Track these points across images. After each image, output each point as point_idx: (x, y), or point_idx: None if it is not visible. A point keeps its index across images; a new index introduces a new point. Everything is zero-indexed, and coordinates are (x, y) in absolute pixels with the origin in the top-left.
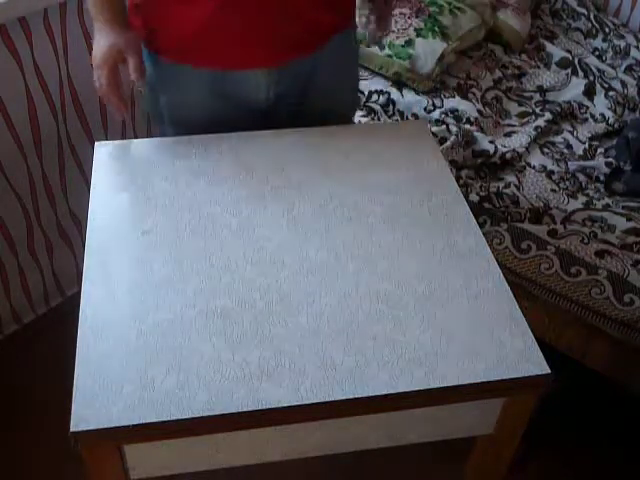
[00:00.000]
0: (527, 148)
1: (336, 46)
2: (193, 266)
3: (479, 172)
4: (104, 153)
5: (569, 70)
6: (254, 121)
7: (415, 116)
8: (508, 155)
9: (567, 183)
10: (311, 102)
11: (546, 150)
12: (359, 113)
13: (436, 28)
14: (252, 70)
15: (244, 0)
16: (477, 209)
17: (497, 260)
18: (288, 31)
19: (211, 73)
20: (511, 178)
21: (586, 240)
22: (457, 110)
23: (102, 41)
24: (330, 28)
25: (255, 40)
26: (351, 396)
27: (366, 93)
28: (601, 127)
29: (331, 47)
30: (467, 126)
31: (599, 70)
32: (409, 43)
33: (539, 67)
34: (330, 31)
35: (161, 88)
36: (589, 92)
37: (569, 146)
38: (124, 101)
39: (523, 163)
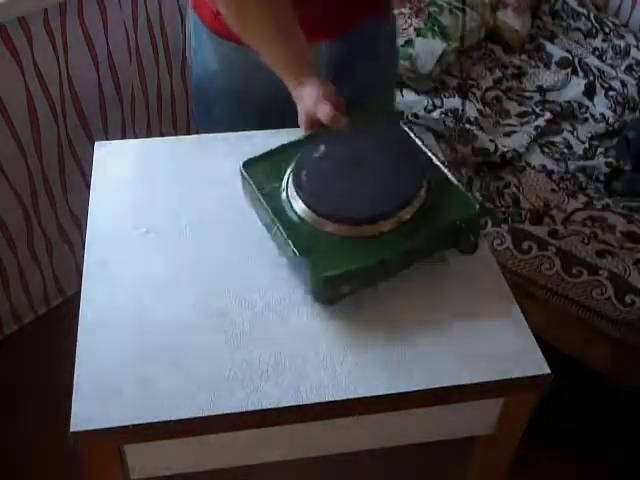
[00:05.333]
0: (527, 148)
1: (371, 33)
2: (193, 266)
3: (479, 171)
4: (104, 153)
5: (569, 70)
6: None
7: (415, 116)
8: (508, 155)
9: (567, 183)
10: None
11: (546, 150)
12: None
13: (436, 28)
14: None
15: None
16: None
17: (498, 260)
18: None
19: None
20: (511, 178)
21: (587, 240)
22: (457, 110)
23: (299, 107)
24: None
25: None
26: (351, 396)
27: None
28: (601, 127)
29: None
30: (467, 126)
31: (599, 70)
32: (409, 43)
33: (539, 67)
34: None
35: (222, 70)
36: (589, 92)
37: (569, 146)
38: (340, 116)
39: (523, 163)
